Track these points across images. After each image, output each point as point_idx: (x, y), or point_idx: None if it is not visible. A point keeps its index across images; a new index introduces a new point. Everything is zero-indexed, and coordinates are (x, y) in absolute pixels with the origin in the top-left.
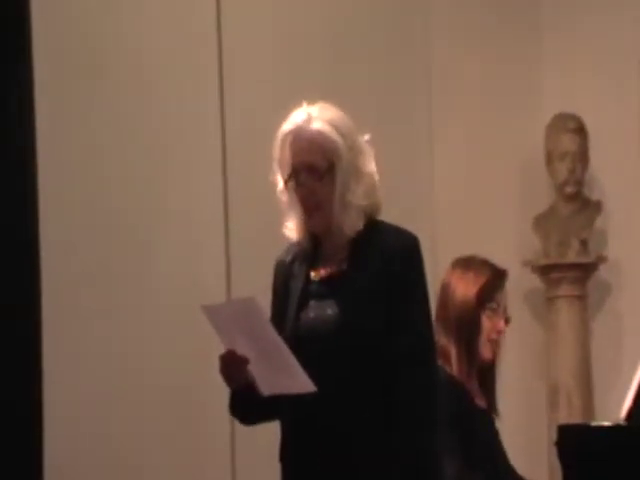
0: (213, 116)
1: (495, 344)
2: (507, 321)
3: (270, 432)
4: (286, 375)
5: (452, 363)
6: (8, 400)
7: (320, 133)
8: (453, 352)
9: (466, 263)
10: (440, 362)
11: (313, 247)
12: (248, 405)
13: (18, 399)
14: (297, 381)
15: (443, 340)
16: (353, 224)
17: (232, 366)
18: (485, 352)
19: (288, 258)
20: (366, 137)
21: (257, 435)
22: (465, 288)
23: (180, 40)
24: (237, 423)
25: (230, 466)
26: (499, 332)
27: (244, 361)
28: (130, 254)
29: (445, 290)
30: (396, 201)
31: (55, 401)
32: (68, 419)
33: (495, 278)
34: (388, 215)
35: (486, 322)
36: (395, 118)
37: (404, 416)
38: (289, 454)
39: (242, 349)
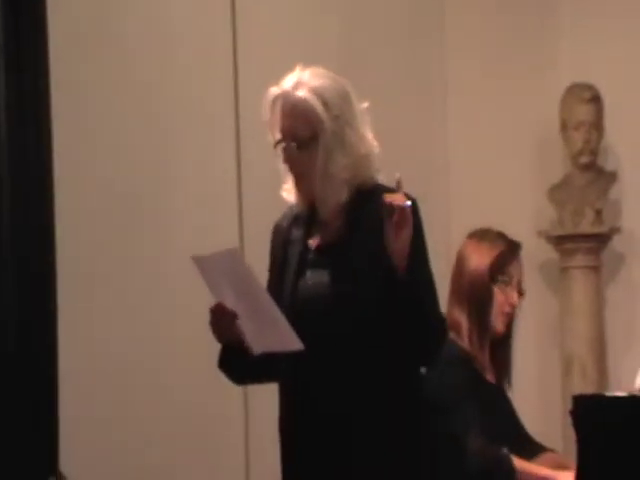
0: (227, 90)
1: (509, 318)
2: (521, 294)
3: None
4: (273, 331)
5: (463, 335)
6: (23, 395)
7: (303, 101)
8: (464, 324)
9: (481, 235)
10: (452, 335)
11: (309, 212)
12: (238, 362)
13: (33, 389)
14: (284, 338)
15: (455, 312)
16: (335, 196)
17: (221, 320)
18: (497, 325)
19: (285, 223)
20: (364, 105)
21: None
22: (478, 259)
23: (194, 19)
24: (251, 407)
25: (244, 452)
26: (512, 305)
27: (233, 315)
28: (144, 237)
29: (459, 262)
30: (411, 172)
31: (72, 383)
32: (84, 404)
33: (508, 251)
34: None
35: (499, 295)
36: (410, 89)
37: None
38: (286, 425)
39: (231, 303)
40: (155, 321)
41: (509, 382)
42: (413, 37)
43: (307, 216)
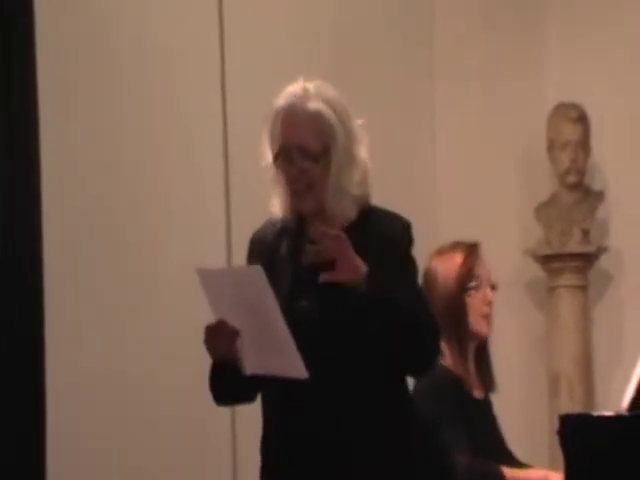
0: (215, 101)
1: (489, 317)
2: (493, 287)
3: None
4: (277, 355)
5: (447, 357)
6: (9, 402)
7: (318, 113)
8: (445, 348)
9: (438, 254)
10: None
11: (300, 229)
12: (227, 382)
13: (20, 394)
14: (289, 363)
15: None
16: (346, 212)
17: (221, 338)
18: (482, 329)
19: (270, 236)
20: (359, 122)
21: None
22: (443, 279)
23: (182, 28)
24: (238, 420)
25: (231, 466)
26: (489, 303)
27: (234, 333)
28: (132, 251)
29: (426, 282)
30: (398, 190)
31: (59, 389)
32: (71, 421)
33: (468, 256)
34: (390, 204)
35: (473, 300)
36: (397, 106)
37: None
38: (272, 446)
39: (233, 321)
40: (143, 335)
41: (494, 385)
42: (401, 56)
43: (298, 231)
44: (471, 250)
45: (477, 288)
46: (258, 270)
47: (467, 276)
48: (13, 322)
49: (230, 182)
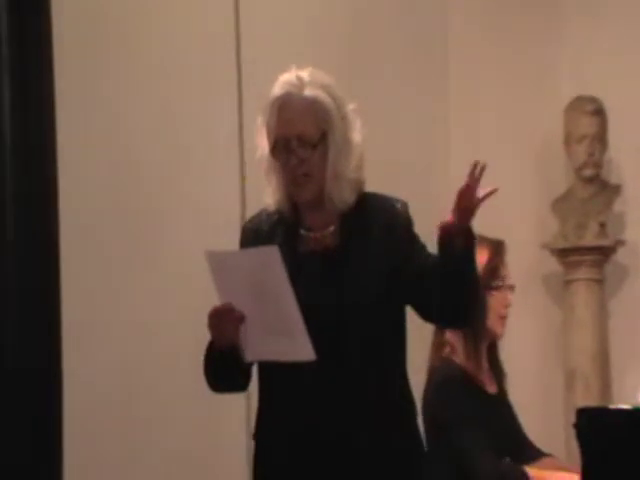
0: (230, 90)
1: (505, 318)
2: (512, 288)
3: None
4: (284, 338)
5: (459, 353)
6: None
7: (314, 100)
8: (460, 346)
9: None
10: (447, 353)
11: (296, 217)
12: (225, 368)
13: (35, 395)
14: (296, 346)
15: (447, 333)
16: (345, 197)
17: (226, 322)
18: (497, 329)
19: (265, 226)
20: (352, 106)
21: None
22: None
23: (198, 24)
24: (253, 418)
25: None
26: (507, 305)
27: (240, 319)
28: (148, 240)
29: None
30: (412, 184)
31: (75, 388)
32: (86, 423)
33: (494, 254)
34: (404, 198)
35: (493, 301)
36: (412, 101)
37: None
38: (265, 433)
39: (240, 304)
40: (158, 337)
41: (505, 380)
42: (416, 49)
43: (294, 220)
44: (497, 249)
45: (499, 289)
46: (274, 250)
47: (491, 276)
48: (27, 329)
49: (246, 175)
